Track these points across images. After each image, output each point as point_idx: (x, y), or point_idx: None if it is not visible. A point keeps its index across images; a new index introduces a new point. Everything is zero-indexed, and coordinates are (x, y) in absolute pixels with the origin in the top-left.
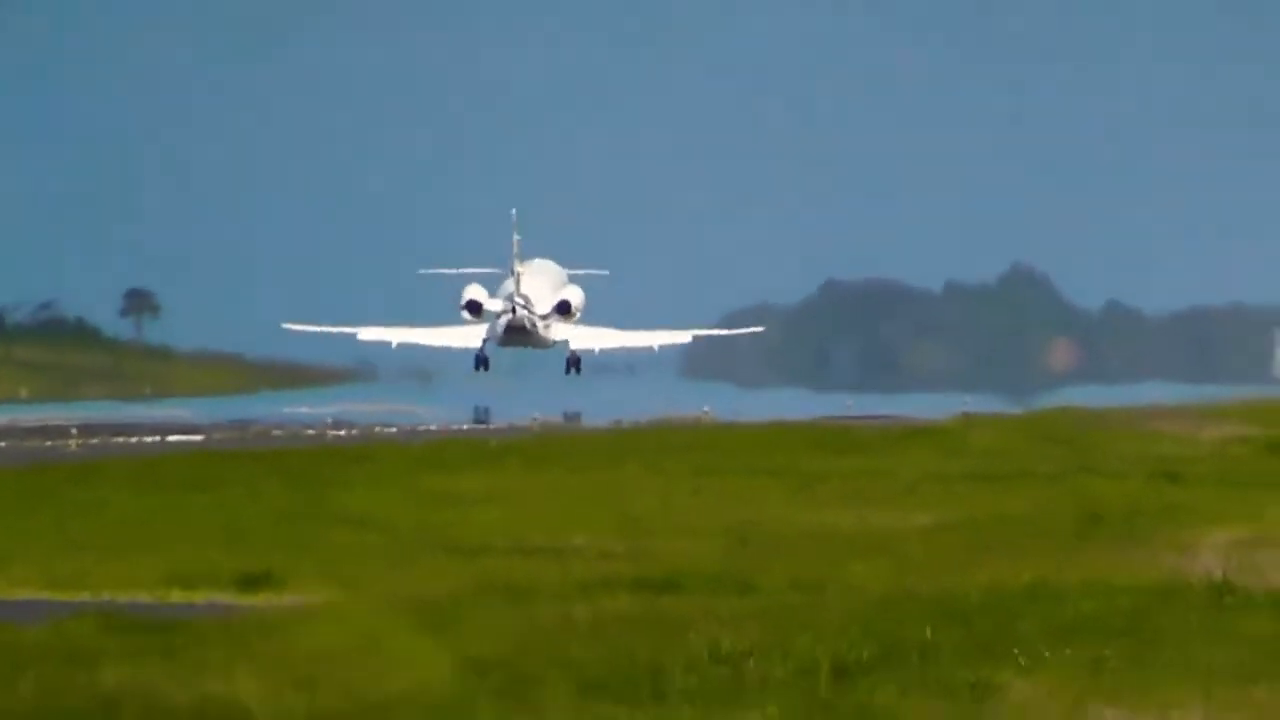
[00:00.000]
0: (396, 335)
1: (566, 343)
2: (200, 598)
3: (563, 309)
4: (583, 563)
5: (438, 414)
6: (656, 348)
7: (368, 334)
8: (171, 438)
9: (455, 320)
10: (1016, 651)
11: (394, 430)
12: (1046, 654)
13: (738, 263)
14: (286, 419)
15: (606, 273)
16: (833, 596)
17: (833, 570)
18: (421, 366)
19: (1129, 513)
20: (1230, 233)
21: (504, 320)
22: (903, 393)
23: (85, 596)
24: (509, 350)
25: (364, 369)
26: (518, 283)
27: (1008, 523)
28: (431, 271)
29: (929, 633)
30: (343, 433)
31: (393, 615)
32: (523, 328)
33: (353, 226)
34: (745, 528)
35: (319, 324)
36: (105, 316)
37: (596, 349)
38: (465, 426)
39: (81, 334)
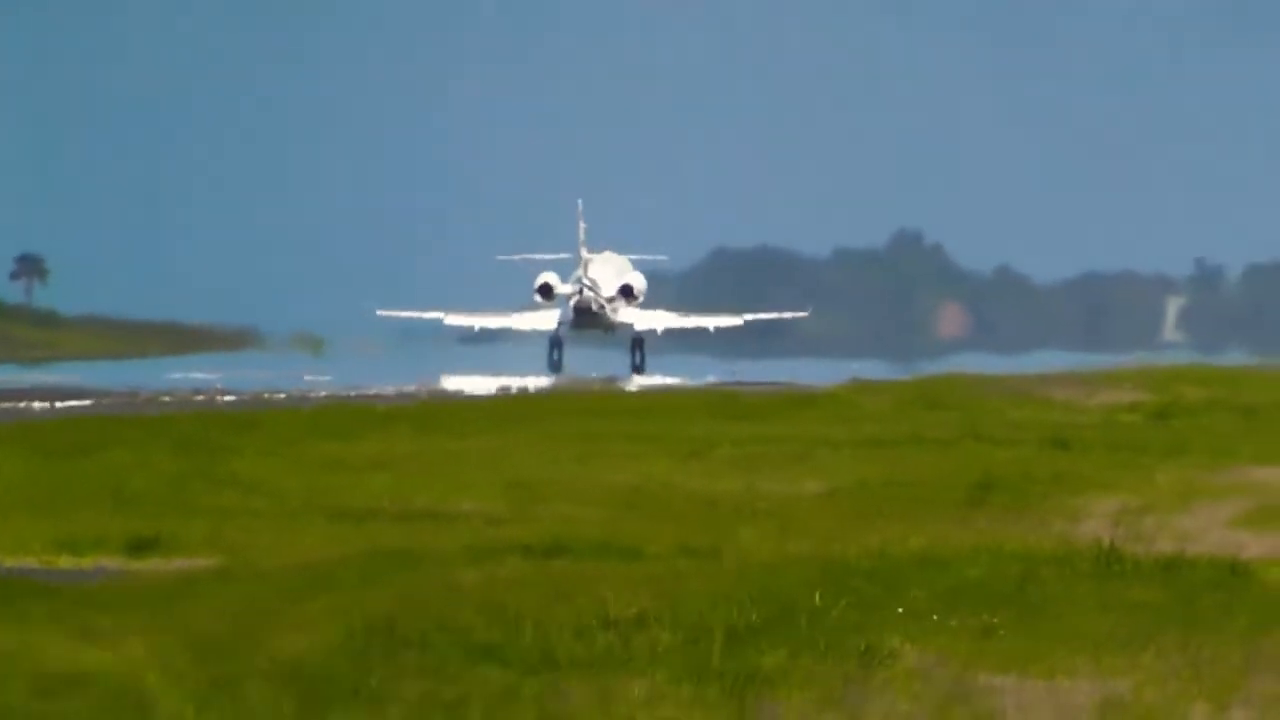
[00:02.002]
0: (479, 320)
1: (631, 325)
2: (89, 562)
3: (626, 292)
4: (470, 528)
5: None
6: (713, 329)
7: (453, 319)
8: (60, 403)
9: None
10: (903, 613)
11: (283, 396)
12: (935, 619)
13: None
14: (176, 384)
15: (665, 258)
16: (722, 562)
17: (722, 537)
18: (312, 334)
19: (1019, 479)
20: (1122, 199)
21: (573, 302)
22: (791, 358)
23: None
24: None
25: (252, 334)
26: (585, 268)
27: (898, 489)
28: (507, 258)
29: (818, 598)
30: (232, 398)
31: (281, 580)
32: (589, 309)
33: (356, 218)
34: (638, 494)
35: (409, 310)
36: None
37: (659, 330)
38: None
39: None
